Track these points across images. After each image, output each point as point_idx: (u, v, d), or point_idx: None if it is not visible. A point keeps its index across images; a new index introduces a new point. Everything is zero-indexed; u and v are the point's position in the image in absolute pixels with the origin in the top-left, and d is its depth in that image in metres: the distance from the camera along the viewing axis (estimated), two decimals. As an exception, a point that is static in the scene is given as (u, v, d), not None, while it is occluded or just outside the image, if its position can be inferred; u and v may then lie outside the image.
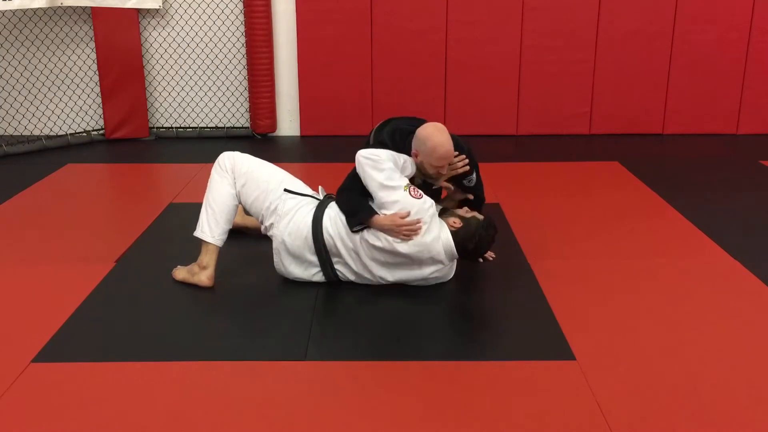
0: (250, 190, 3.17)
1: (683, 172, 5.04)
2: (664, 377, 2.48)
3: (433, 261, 3.02)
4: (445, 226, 3.00)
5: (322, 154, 5.56)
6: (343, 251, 3.06)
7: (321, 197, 3.23)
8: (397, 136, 3.13)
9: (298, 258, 3.11)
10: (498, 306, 3.04)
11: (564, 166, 5.14)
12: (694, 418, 2.27)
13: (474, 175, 3.27)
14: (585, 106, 6.04)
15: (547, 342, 2.72)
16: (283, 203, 3.11)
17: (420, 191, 2.99)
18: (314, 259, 3.09)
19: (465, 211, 3.09)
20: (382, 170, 2.94)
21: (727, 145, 5.82)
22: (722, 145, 5.81)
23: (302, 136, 6.12)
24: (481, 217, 3.05)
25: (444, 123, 6.34)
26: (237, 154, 3.25)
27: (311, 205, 3.14)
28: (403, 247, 2.95)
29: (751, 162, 5.28)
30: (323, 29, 5.82)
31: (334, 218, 3.05)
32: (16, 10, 5.44)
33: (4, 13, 5.51)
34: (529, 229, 3.84)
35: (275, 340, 2.74)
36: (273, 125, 6.01)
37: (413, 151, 3.08)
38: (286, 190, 3.16)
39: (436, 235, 2.97)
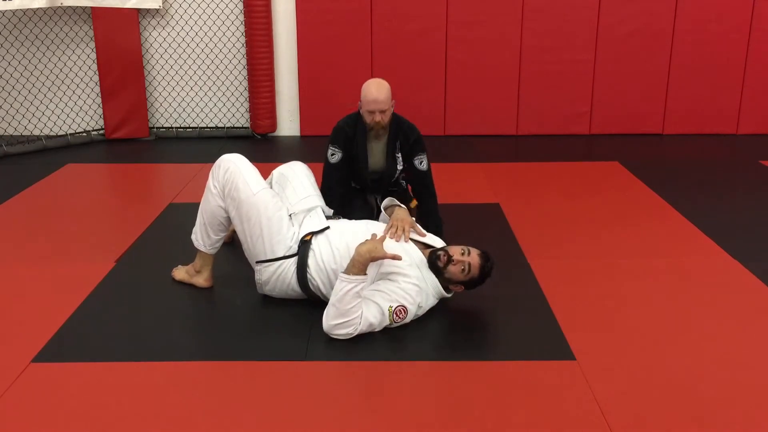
0: (235, 220, 2.99)
1: (683, 172, 5.04)
2: (663, 377, 2.48)
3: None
4: (432, 275, 2.86)
5: (322, 154, 5.53)
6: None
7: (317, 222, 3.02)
8: (341, 122, 3.68)
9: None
10: (498, 306, 3.04)
11: (564, 166, 5.14)
12: (694, 418, 2.27)
13: (425, 156, 3.54)
14: (585, 106, 6.04)
15: (547, 342, 2.72)
16: (260, 274, 2.97)
17: (404, 309, 2.74)
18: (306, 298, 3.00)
19: (459, 270, 2.81)
20: (356, 324, 2.69)
21: (727, 145, 5.82)
22: (722, 145, 5.81)
23: (302, 136, 6.12)
24: (476, 269, 2.83)
25: (444, 123, 6.33)
26: (231, 168, 2.97)
27: (290, 266, 2.92)
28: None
29: (751, 162, 5.28)
30: (323, 29, 5.82)
31: (321, 268, 2.88)
32: (16, 10, 5.44)
33: (4, 13, 5.51)
34: (529, 229, 3.84)
35: (275, 340, 2.74)
36: (273, 125, 6.01)
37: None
38: (258, 261, 2.95)
39: (432, 303, 2.90)
